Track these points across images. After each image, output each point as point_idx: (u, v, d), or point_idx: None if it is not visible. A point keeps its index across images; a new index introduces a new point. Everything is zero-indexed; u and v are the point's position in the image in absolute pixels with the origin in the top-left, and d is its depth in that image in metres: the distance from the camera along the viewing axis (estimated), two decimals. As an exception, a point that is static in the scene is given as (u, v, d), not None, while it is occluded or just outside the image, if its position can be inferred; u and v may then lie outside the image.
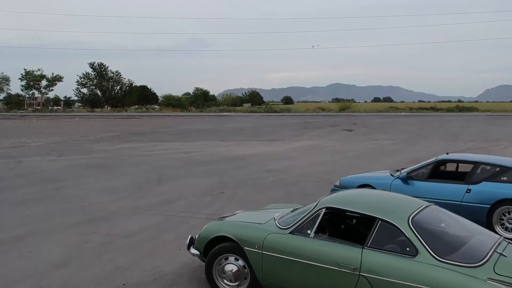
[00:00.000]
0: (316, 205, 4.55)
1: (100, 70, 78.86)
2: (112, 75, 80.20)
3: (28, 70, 73.16)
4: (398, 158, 16.66)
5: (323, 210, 4.42)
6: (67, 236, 7.16)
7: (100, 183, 11.69)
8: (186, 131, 29.82)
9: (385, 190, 7.86)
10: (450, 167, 8.16)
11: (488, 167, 7.24)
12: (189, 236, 5.45)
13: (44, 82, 74.85)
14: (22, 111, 70.41)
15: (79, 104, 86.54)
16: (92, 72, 78.79)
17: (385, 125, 34.58)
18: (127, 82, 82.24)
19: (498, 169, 7.14)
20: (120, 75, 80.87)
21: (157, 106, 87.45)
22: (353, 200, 4.55)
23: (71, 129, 32.71)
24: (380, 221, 4.06)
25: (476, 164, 7.36)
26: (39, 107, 78.53)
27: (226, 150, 19.21)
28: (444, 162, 7.85)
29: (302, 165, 14.83)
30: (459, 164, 7.99)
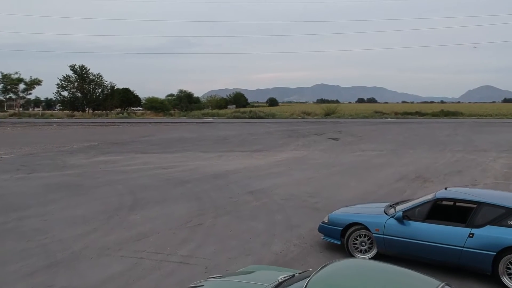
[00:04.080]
0: None
1: (81, 73, 76.93)
2: (93, 77, 78.36)
3: (5, 73, 70.99)
4: (387, 174, 16.03)
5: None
6: (18, 291, 6.25)
7: (67, 211, 10.72)
8: (167, 141, 28.81)
9: (378, 230, 7.15)
10: (450, 201, 7.44)
11: (493, 208, 6.52)
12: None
13: (22, 86, 72.76)
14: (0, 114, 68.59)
15: (60, 106, 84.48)
16: (73, 75, 76.92)
17: (371, 133, 34.02)
18: (109, 85, 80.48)
19: (504, 211, 6.42)
20: (102, 78, 79.07)
21: (140, 108, 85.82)
22: None
23: (47, 138, 31.40)
24: None
25: (479, 204, 6.64)
26: (17, 109, 76.44)
27: (207, 165, 18.33)
28: (442, 200, 7.11)
29: (287, 184, 14.05)
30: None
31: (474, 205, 6.70)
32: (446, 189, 7.46)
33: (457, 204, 7.35)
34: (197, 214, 10.43)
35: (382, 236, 7.09)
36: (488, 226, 6.38)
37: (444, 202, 7.37)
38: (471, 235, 6.41)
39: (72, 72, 76.53)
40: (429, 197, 7.22)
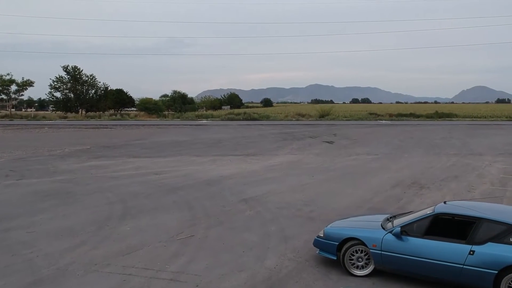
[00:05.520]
0: None
1: (74, 74, 76.33)
2: (86, 78, 77.81)
3: (-4, 75, 70.30)
4: (382, 179, 15.84)
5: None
6: (0, 313, 5.95)
7: (55, 222, 10.41)
8: (160, 144, 28.48)
9: (375, 245, 6.92)
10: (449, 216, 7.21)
11: (494, 225, 6.30)
12: None
13: (14, 87, 72.07)
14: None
15: (52, 107, 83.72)
16: (65, 76, 76.29)
17: (366, 136, 33.85)
18: (102, 86, 79.98)
19: (505, 227, 6.21)
20: (95, 79, 78.56)
21: (134, 108, 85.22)
22: None
23: (39, 141, 30.95)
24: None
25: (479, 220, 6.41)
26: (9, 110, 75.68)
27: (200, 170, 18.05)
28: (442, 216, 6.86)
29: (281, 191, 13.81)
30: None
31: (475, 221, 6.47)
32: (445, 202, 7.23)
33: (457, 218, 7.12)
34: (189, 224, 10.16)
35: (380, 252, 6.85)
36: (489, 243, 6.17)
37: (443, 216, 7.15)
38: (471, 252, 6.19)
39: (65, 73, 75.98)
40: (428, 211, 6.98)
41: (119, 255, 8.15)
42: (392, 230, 6.84)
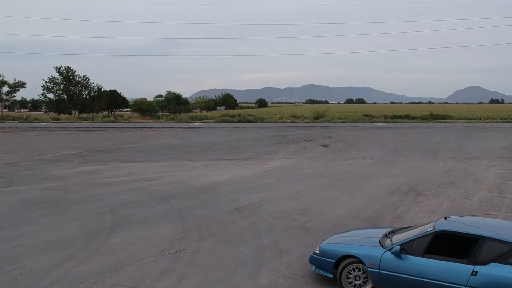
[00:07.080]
0: None
1: (67, 75, 75.45)
2: (79, 79, 76.96)
3: (-12, 76, 69.38)
4: (378, 186, 15.60)
5: None
6: None
7: (42, 234, 10.04)
8: (153, 148, 28.06)
9: (373, 264, 6.63)
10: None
11: (497, 244, 6.04)
12: None
13: (5, 88, 71.18)
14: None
15: (45, 107, 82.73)
16: (58, 77, 75.41)
17: (361, 139, 33.55)
18: (96, 87, 79.13)
19: (509, 247, 5.94)
20: (88, 80, 77.57)
21: (128, 109, 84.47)
22: None
23: (30, 144, 30.44)
24: None
25: (482, 239, 6.14)
26: (0, 111, 74.71)
27: (193, 175, 17.71)
28: (443, 234, 6.57)
29: (276, 199, 13.52)
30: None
31: (477, 239, 6.20)
32: (445, 218, 6.96)
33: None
34: (180, 237, 9.84)
35: (378, 271, 6.57)
36: (492, 263, 5.90)
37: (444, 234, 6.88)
38: (474, 273, 5.92)
39: (58, 74, 75.13)
40: (428, 228, 6.70)
41: (107, 271, 7.82)
42: (391, 248, 6.56)
